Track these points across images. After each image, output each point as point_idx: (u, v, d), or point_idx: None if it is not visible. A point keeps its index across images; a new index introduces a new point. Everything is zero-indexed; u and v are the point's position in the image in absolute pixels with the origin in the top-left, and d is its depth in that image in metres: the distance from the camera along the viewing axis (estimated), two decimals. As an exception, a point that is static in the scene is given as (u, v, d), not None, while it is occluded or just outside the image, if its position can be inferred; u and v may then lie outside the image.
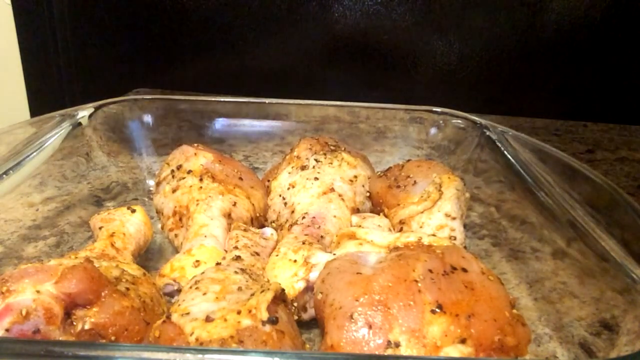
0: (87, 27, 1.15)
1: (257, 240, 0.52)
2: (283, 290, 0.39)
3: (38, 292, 0.36)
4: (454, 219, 0.52)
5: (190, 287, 0.40)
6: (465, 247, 0.49)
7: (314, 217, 0.54)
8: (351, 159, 0.60)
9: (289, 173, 0.60)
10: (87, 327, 0.37)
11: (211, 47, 1.11)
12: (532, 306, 0.51)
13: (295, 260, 0.47)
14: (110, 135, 0.69)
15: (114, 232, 0.50)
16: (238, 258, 0.47)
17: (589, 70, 1.02)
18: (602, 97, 1.04)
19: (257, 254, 0.50)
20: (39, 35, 1.15)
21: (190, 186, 0.56)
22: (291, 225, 0.54)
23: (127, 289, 0.40)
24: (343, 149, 0.63)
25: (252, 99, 0.76)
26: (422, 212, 0.53)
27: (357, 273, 0.40)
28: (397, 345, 0.35)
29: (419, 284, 0.37)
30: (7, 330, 0.34)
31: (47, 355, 0.28)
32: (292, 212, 0.56)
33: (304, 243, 0.49)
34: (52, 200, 0.65)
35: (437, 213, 0.52)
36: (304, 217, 0.54)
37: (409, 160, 0.61)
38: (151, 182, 0.67)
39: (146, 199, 0.67)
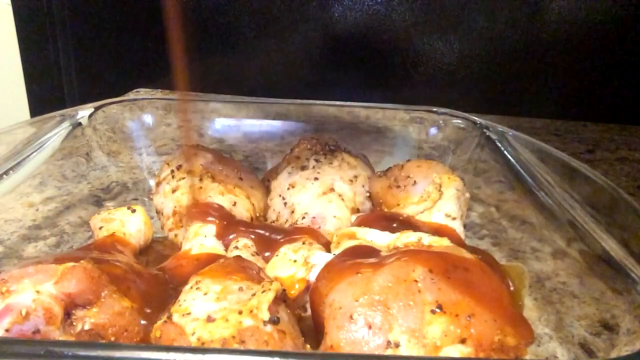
0: (87, 27, 1.15)
1: (257, 240, 0.52)
2: (284, 290, 0.39)
3: (38, 292, 0.36)
4: (454, 219, 0.52)
5: (191, 287, 0.40)
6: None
7: (314, 217, 0.54)
8: (351, 159, 0.60)
9: (289, 173, 0.60)
10: (87, 327, 0.37)
11: (211, 47, 1.11)
12: (532, 306, 0.51)
13: (295, 260, 0.47)
14: (110, 135, 0.69)
15: (114, 232, 0.50)
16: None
17: (589, 70, 1.02)
18: (602, 97, 1.04)
19: (257, 254, 0.50)
20: (39, 35, 1.15)
21: (190, 186, 0.56)
22: (291, 225, 0.54)
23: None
24: (343, 149, 0.63)
25: (252, 99, 0.76)
26: (422, 212, 0.53)
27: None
28: (397, 345, 0.35)
29: (419, 284, 0.37)
30: (6, 330, 0.34)
31: (47, 355, 0.28)
32: (292, 212, 0.56)
33: (304, 243, 0.49)
34: (52, 200, 0.65)
35: (437, 213, 0.52)
36: (304, 217, 0.54)
37: (409, 160, 0.61)
38: (151, 182, 0.67)
39: (146, 199, 0.67)
